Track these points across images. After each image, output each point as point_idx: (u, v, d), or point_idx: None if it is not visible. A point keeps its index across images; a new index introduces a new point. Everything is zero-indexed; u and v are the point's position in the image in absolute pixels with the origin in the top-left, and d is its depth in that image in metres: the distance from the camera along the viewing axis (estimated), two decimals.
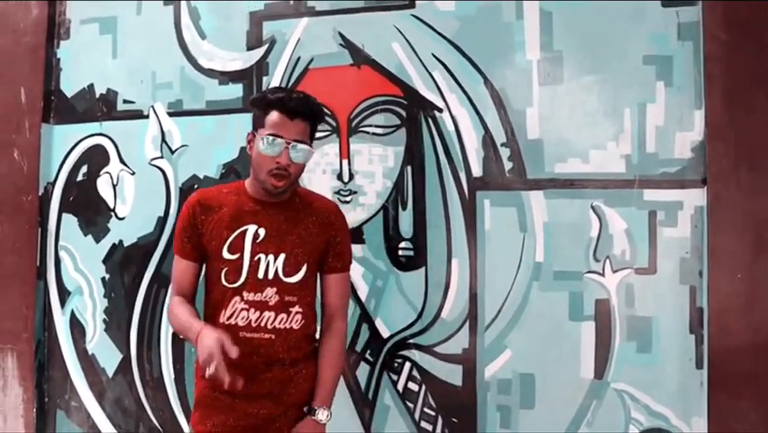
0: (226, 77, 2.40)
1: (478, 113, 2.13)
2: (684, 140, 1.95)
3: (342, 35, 2.27)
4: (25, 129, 2.62)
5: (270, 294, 1.58)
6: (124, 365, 2.54)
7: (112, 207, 2.57)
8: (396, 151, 2.20)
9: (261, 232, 1.58)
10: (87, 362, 2.59)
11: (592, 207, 2.02)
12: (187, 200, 1.65)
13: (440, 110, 2.16)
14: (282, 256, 1.59)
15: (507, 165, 2.10)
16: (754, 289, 1.85)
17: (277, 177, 1.55)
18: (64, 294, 2.63)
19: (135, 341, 2.52)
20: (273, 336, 1.58)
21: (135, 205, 2.54)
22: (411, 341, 2.18)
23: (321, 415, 1.60)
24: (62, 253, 2.64)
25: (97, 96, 2.59)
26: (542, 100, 2.07)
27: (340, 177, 2.25)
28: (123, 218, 2.56)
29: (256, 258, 1.57)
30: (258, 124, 1.59)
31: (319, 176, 2.27)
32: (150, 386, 2.50)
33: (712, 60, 1.91)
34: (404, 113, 2.20)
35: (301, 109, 1.57)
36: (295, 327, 1.59)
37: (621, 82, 2.01)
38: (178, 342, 2.46)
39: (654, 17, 1.97)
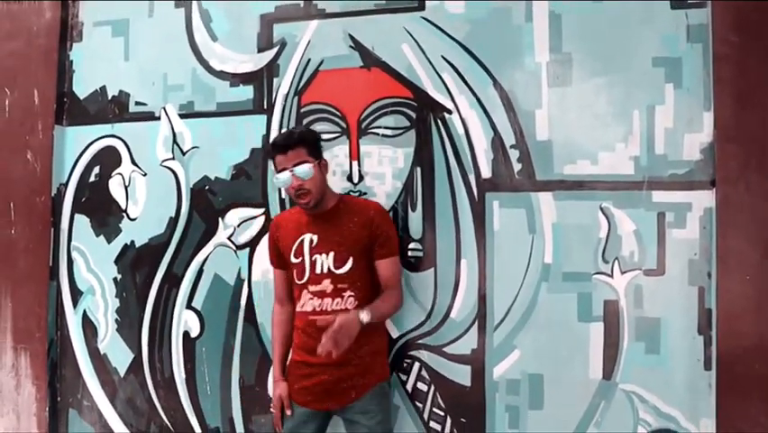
0: (237, 79, 2.42)
1: (487, 114, 2.14)
2: (693, 142, 1.95)
3: (352, 37, 2.29)
4: (38, 131, 2.65)
5: (327, 284, 1.96)
6: (136, 365, 2.56)
7: (124, 207, 2.59)
8: (405, 152, 2.21)
9: (315, 238, 1.99)
10: (99, 361, 2.62)
11: (601, 209, 2.03)
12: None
13: (449, 112, 2.18)
14: (332, 254, 1.97)
15: (516, 167, 2.11)
16: (763, 290, 1.85)
17: (300, 196, 1.95)
18: (76, 294, 2.65)
19: (147, 341, 2.55)
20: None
21: (147, 206, 2.56)
22: (420, 341, 2.19)
23: (363, 314, 1.86)
24: (75, 254, 2.66)
25: (109, 97, 2.61)
26: (551, 102, 2.08)
27: (350, 178, 2.26)
28: (134, 219, 2.58)
29: (313, 258, 1.99)
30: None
31: (329, 177, 2.20)
32: (161, 386, 2.52)
33: (721, 62, 1.91)
34: (413, 114, 2.21)
35: (285, 142, 1.96)
36: (349, 307, 1.94)
37: (630, 84, 2.01)
38: (189, 342, 2.48)
39: (664, 19, 1.98)
